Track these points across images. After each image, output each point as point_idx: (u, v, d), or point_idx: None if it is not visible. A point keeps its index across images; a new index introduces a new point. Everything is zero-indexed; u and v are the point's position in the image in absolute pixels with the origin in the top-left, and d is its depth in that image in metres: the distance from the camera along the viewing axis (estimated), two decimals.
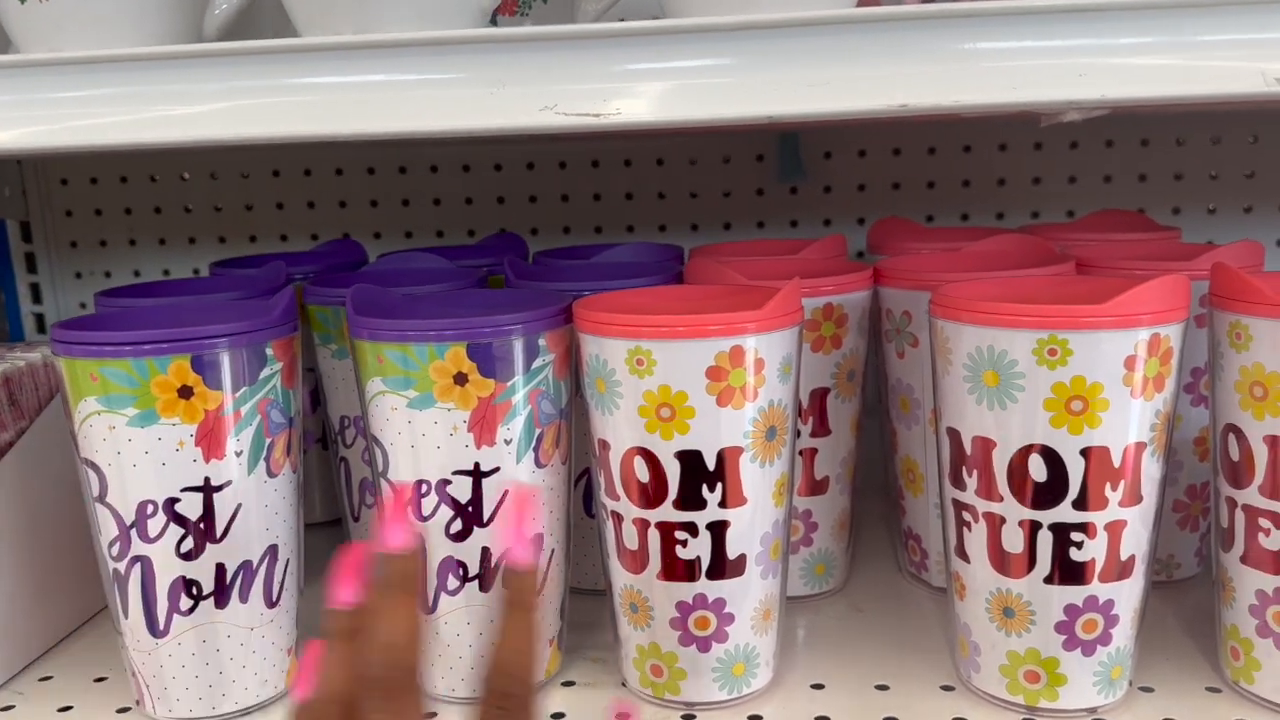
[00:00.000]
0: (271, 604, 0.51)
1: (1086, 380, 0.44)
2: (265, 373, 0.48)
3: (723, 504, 0.47)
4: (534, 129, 0.40)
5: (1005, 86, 0.38)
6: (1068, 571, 0.46)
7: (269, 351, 0.48)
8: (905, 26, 0.38)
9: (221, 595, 0.49)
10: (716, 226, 0.89)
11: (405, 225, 0.91)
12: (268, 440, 0.49)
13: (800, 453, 0.58)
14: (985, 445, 0.46)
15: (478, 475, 0.48)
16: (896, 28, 0.38)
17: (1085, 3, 0.37)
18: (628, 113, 0.40)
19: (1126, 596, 0.47)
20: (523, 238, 0.81)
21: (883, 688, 0.52)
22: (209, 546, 0.48)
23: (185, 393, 0.46)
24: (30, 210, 0.93)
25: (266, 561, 0.50)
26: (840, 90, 0.39)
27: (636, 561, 0.49)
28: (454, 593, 0.50)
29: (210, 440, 0.47)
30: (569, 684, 0.53)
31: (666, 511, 0.47)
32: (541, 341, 0.48)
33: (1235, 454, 0.47)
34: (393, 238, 0.92)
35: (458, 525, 0.49)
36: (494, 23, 0.56)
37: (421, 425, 0.47)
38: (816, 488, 0.59)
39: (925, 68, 0.38)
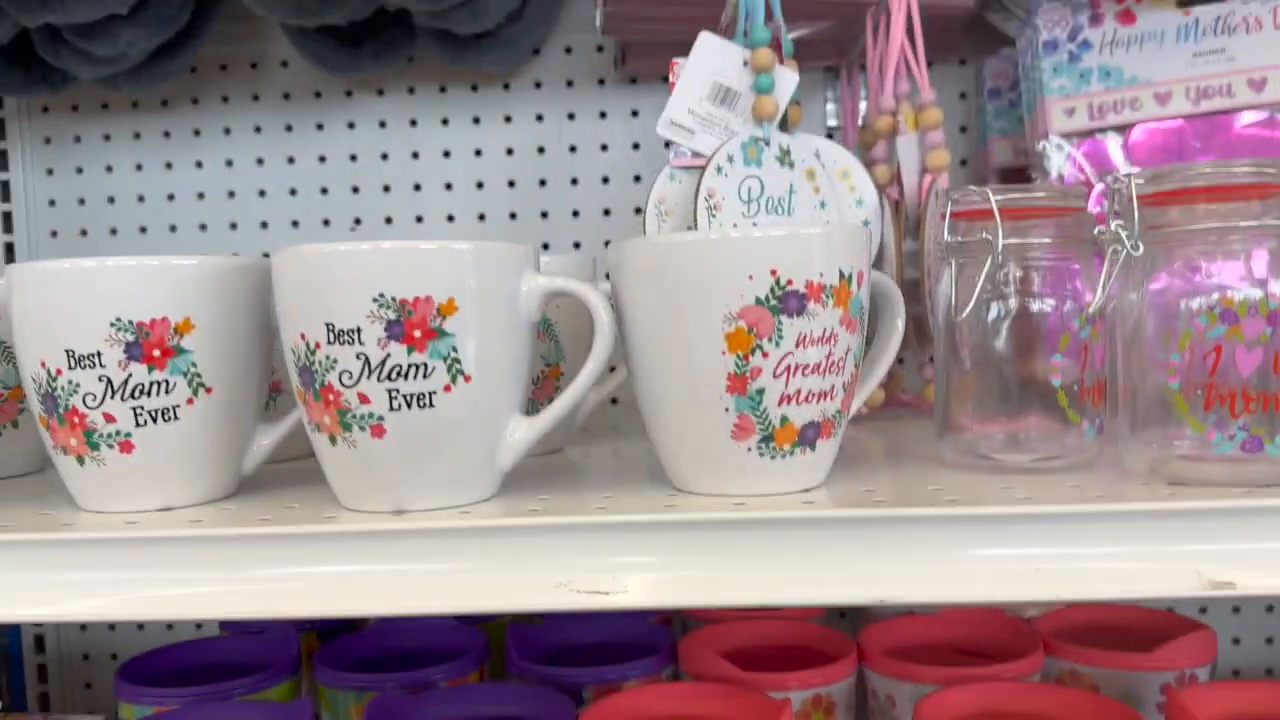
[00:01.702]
0: None
1: None
2: None
3: None
4: (550, 609, 0.44)
5: (971, 584, 0.43)
6: None
7: None
8: (884, 527, 0.43)
9: None
10: None
11: None
12: None
13: None
14: None
15: None
16: (872, 528, 0.43)
17: (1040, 512, 0.42)
18: (637, 594, 0.44)
19: None
20: None
21: None
22: None
23: None
24: None
25: None
26: (824, 582, 0.43)
27: None
28: None
29: None
30: None
31: None
32: None
33: None
34: None
35: None
36: None
37: None
38: None
39: (904, 569, 0.43)
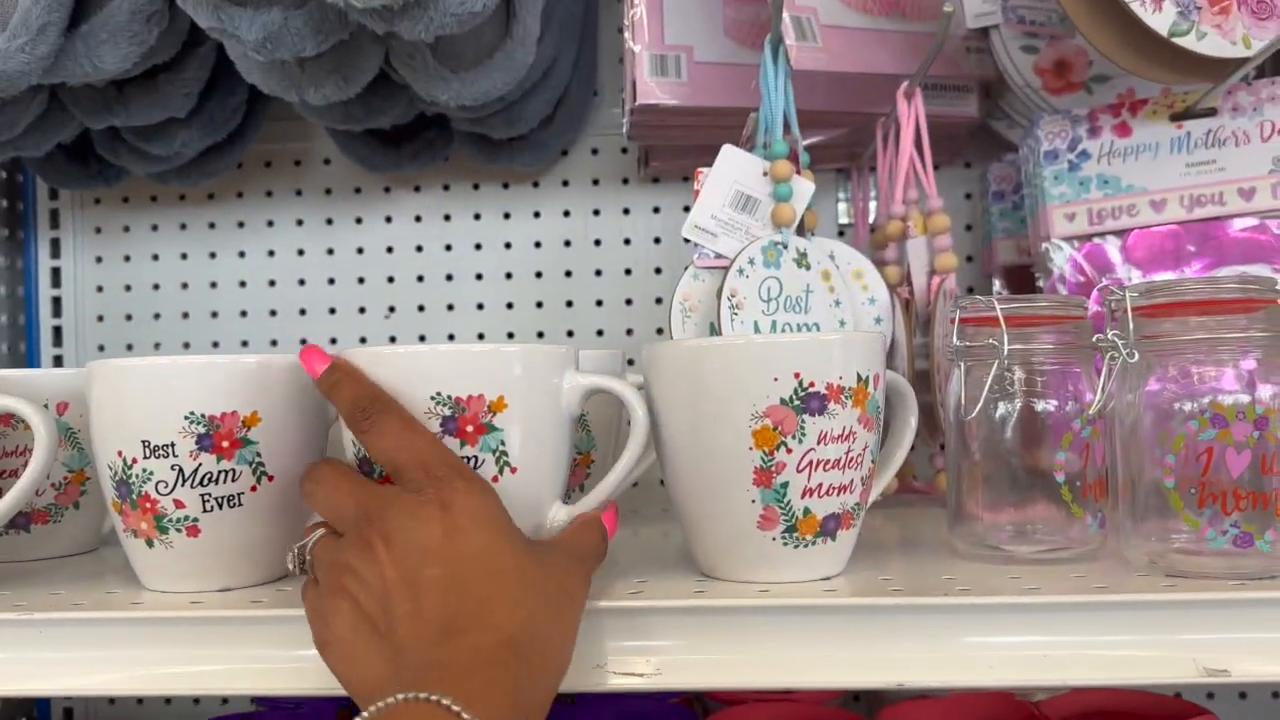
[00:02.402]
0: None
1: None
2: None
3: None
4: (588, 690, 0.47)
5: (983, 669, 0.46)
6: None
7: None
8: (900, 615, 0.46)
9: None
10: None
11: None
12: None
13: None
14: None
15: None
16: (890, 616, 0.46)
17: (1047, 602, 0.46)
18: (669, 676, 0.47)
19: None
20: None
21: None
22: None
23: None
24: None
25: None
26: (845, 666, 0.46)
27: None
28: None
29: None
30: None
31: None
32: None
33: None
34: None
35: None
36: None
37: None
38: None
39: (919, 654, 0.46)
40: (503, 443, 0.48)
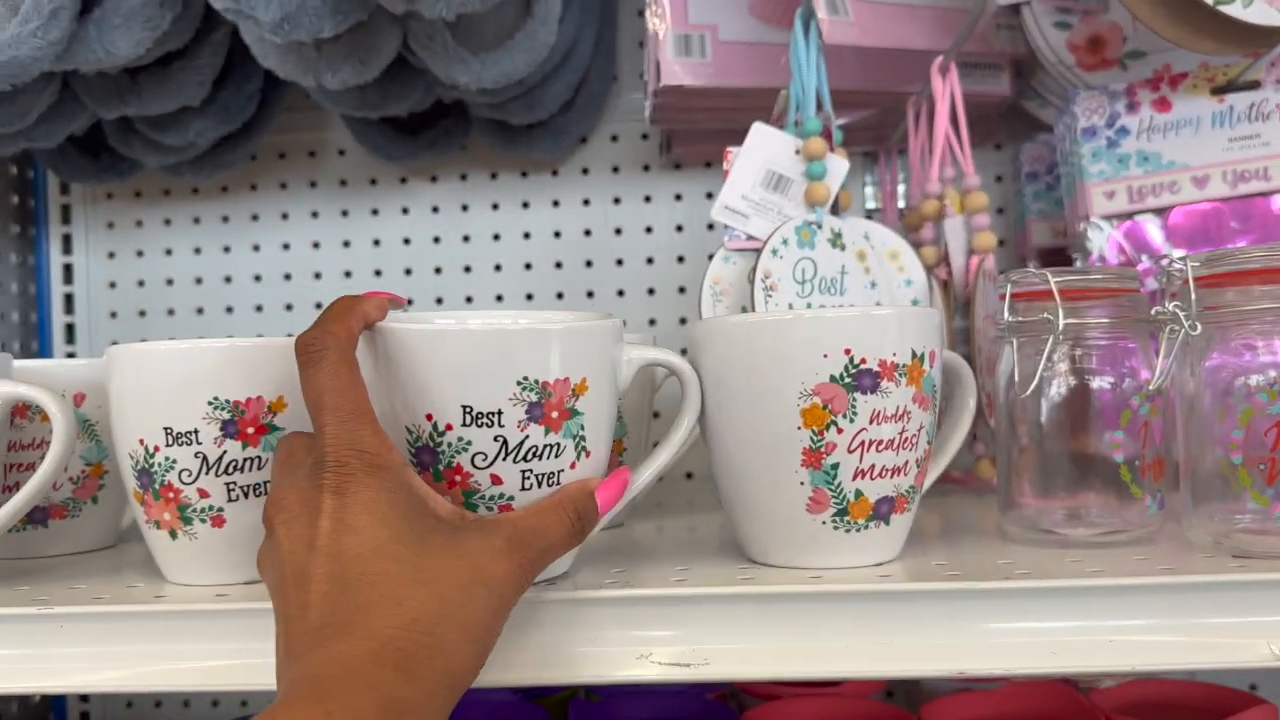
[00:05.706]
0: None
1: None
2: None
3: None
4: (632, 680, 0.45)
5: (1047, 655, 0.43)
6: None
7: None
8: (960, 600, 0.44)
9: None
10: None
11: None
12: None
13: None
14: None
15: None
16: (949, 601, 0.44)
17: (1113, 584, 0.43)
18: (716, 666, 0.45)
19: None
20: None
21: None
22: None
23: None
24: None
25: None
26: (902, 655, 0.44)
27: None
28: None
29: None
30: None
31: None
32: None
33: None
34: None
35: None
36: None
37: None
38: None
39: (979, 640, 0.44)
40: (583, 427, 0.45)
